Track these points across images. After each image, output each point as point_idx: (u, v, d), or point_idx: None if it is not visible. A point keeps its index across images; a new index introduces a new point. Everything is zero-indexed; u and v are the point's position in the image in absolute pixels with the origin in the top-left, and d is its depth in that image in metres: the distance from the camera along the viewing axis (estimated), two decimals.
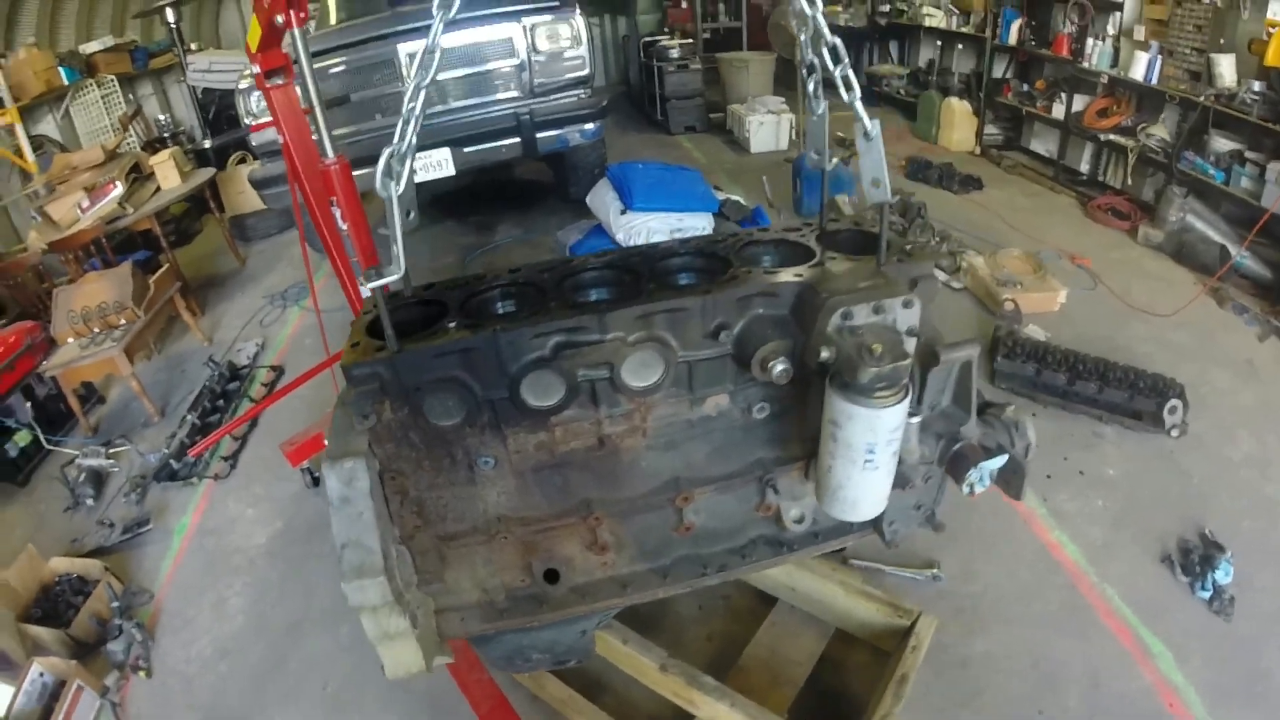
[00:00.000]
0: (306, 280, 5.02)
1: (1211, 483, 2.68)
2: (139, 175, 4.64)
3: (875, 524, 1.60)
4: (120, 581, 2.89)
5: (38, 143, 5.41)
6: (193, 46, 6.61)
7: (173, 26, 5.91)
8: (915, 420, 1.40)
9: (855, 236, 1.60)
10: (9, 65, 5.18)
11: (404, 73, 4.10)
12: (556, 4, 4.17)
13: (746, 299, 1.38)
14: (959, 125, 5.77)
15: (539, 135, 4.23)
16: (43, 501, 3.47)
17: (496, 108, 4.28)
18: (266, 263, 5.69)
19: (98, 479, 3.47)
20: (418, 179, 4.33)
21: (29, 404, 3.77)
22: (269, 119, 4.10)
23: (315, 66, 3.91)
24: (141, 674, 2.56)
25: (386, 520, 1.38)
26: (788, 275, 1.40)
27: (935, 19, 6.17)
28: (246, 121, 4.31)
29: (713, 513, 1.55)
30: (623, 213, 4.34)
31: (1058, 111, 5.08)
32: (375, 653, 1.40)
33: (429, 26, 3.51)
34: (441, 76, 4.15)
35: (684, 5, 7.82)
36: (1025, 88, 5.49)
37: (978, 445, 1.47)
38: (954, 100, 5.81)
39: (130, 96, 6.47)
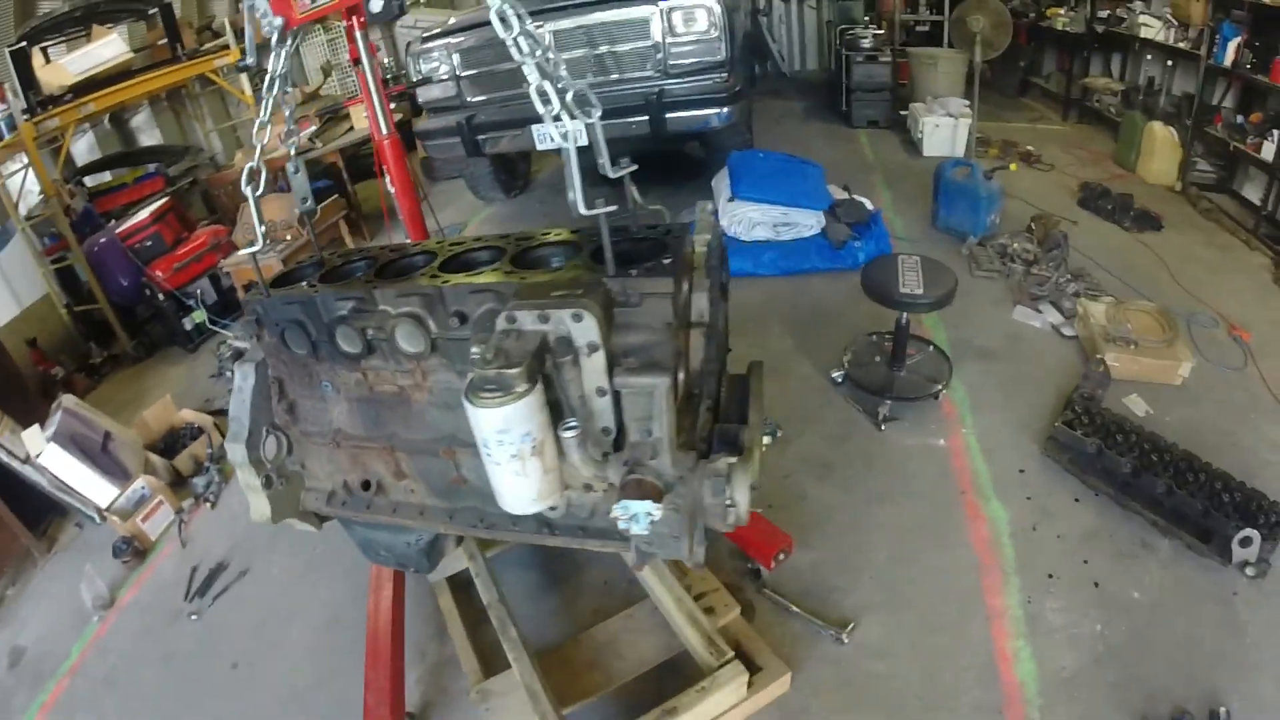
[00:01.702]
0: (460, 225, 5.94)
1: (1271, 651, 2.08)
2: (334, 115, 5.69)
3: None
4: (223, 436, 3.74)
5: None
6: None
7: None
8: (568, 435, 1.38)
9: (655, 247, 1.63)
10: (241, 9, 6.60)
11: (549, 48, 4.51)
12: None
13: (480, 293, 1.56)
14: (1159, 154, 4.93)
15: (668, 116, 4.38)
16: (200, 367, 4.51)
17: (630, 86, 4.46)
18: (439, 202, 6.56)
19: (239, 356, 4.49)
20: (553, 146, 4.83)
21: (215, 292, 4.93)
22: (433, 79, 4.82)
23: (473, 38, 4.53)
24: (209, 505, 3.47)
25: (261, 409, 1.93)
26: (499, 277, 1.60)
27: (1151, 30, 5.25)
28: (413, 79, 5.06)
29: (480, 474, 1.62)
30: (729, 200, 4.37)
31: (1267, 151, 4.10)
32: None
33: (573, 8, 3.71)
34: (580, 53, 4.50)
35: None
36: (1239, 119, 4.47)
37: (649, 484, 1.38)
38: (1156, 125, 4.96)
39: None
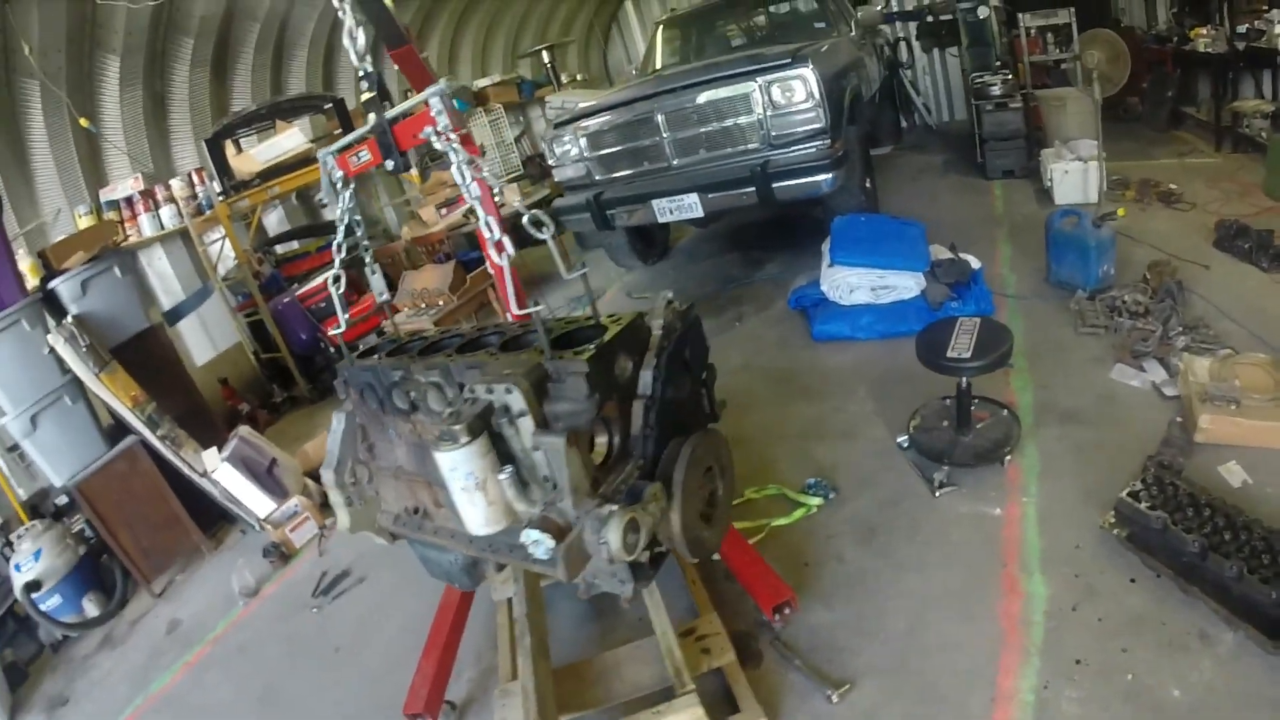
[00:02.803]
0: (599, 292, 6.57)
1: None
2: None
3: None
4: None
5: (436, 154, 8.06)
6: (577, 77, 8.74)
7: (547, 65, 8.05)
8: (502, 477, 1.79)
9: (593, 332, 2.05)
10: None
11: (661, 130, 5.04)
12: (789, 61, 4.52)
13: (475, 369, 2.03)
14: None
15: (775, 185, 4.66)
16: None
17: (739, 159, 4.84)
18: (590, 269, 7.32)
19: None
20: (672, 219, 5.44)
21: None
22: (564, 162, 5.52)
23: (603, 119, 5.17)
24: None
25: (349, 446, 2.56)
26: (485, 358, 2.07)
27: None
28: (550, 162, 5.79)
29: None
30: (829, 265, 4.54)
31: None
32: None
33: (681, 90, 4.26)
34: (690, 131, 4.96)
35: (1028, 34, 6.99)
36: None
37: (551, 520, 1.77)
38: None
39: (520, 119, 8.93)
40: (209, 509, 4.63)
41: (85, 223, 5.81)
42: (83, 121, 5.97)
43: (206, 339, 6.53)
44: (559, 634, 2.77)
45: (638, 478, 1.94)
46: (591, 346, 1.89)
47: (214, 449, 4.51)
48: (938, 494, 2.96)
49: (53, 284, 4.53)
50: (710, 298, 5.65)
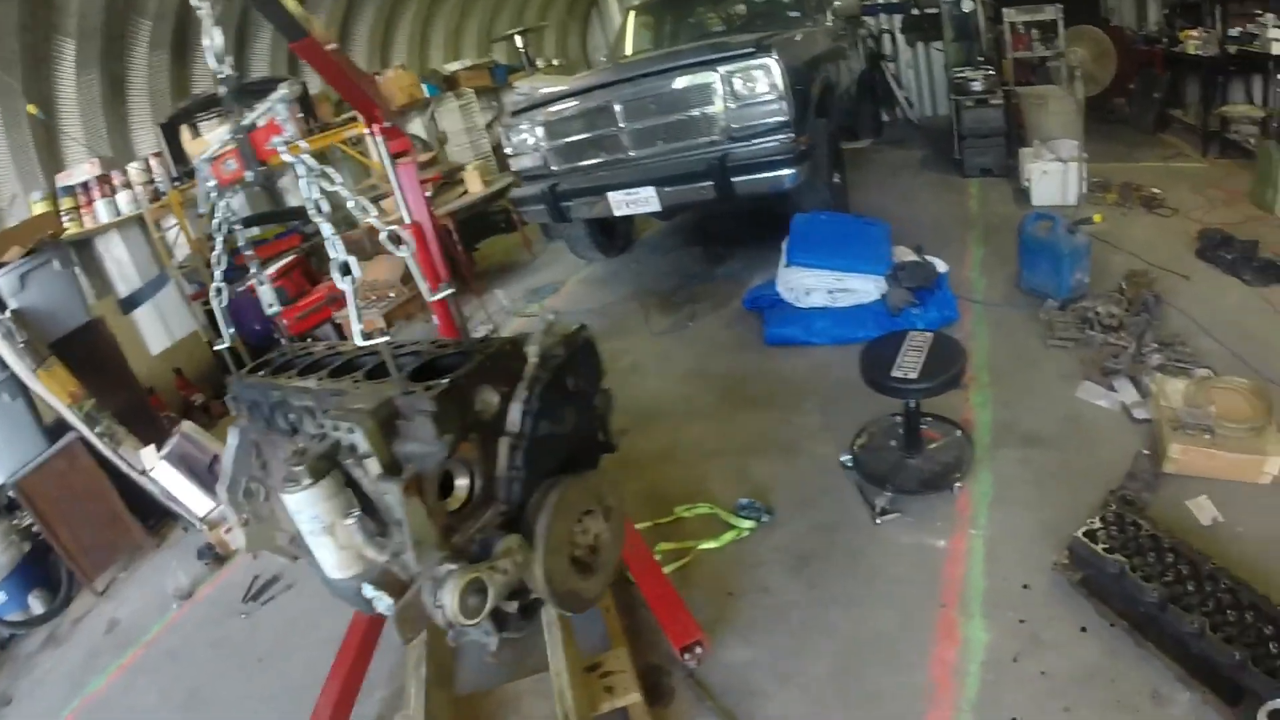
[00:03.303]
0: (557, 284, 6.34)
1: None
2: (450, 180, 6.38)
3: None
4: None
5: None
6: (553, 63, 8.46)
7: (521, 50, 7.78)
8: (348, 522, 1.56)
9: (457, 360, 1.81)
10: (383, 82, 7.51)
11: (618, 120, 4.76)
12: (752, 50, 4.23)
13: (337, 396, 1.81)
14: None
15: (734, 180, 4.39)
16: None
17: (698, 151, 4.58)
18: (550, 261, 7.07)
19: None
20: (629, 212, 5.13)
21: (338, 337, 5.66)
22: (522, 151, 5.26)
23: (560, 107, 4.89)
24: None
25: (243, 464, 2.28)
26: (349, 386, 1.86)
27: None
28: (506, 151, 5.52)
29: None
30: (786, 266, 4.27)
31: None
32: None
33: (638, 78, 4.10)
34: (649, 122, 4.69)
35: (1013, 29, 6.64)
36: None
37: (391, 575, 1.60)
38: None
39: (493, 104, 8.67)
40: (153, 504, 4.44)
41: (40, 209, 5.58)
42: (30, 109, 5.70)
43: (163, 327, 6.31)
44: (472, 657, 2.54)
45: (499, 524, 1.70)
46: (445, 381, 1.64)
47: (152, 447, 4.31)
48: (879, 521, 2.72)
49: None
50: (667, 294, 5.40)
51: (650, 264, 6.31)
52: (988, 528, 2.60)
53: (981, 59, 6.43)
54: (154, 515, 4.55)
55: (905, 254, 4.17)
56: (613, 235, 6.50)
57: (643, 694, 2.22)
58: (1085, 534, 2.31)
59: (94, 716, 3.39)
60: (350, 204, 1.82)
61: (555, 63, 9.52)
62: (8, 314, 4.18)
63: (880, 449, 2.98)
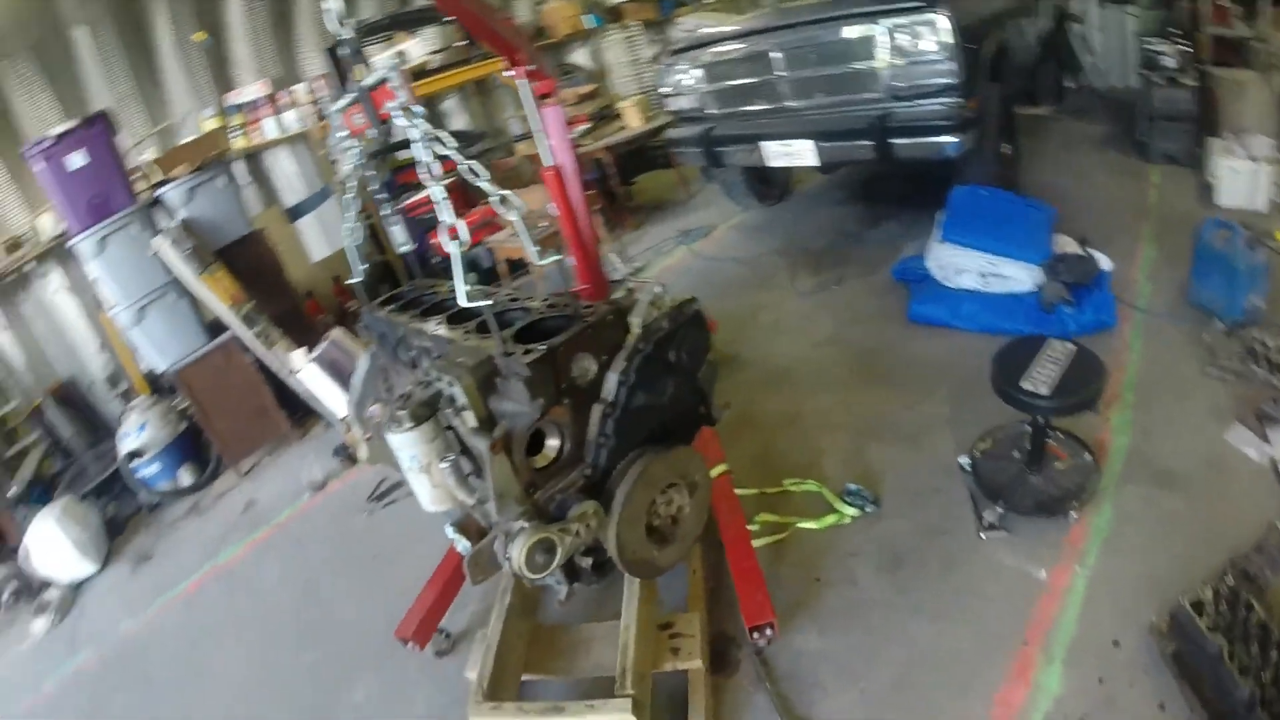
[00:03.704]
0: (709, 228, 6.34)
1: None
2: (608, 114, 6.48)
3: None
4: None
5: (567, 69, 7.87)
6: None
7: None
8: (443, 466, 1.73)
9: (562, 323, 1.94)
10: (544, 12, 7.58)
11: (778, 68, 4.62)
12: (921, 3, 3.93)
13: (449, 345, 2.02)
14: None
15: (894, 142, 4.22)
16: None
17: (858, 108, 4.38)
18: (705, 202, 7.08)
19: None
20: (784, 164, 5.15)
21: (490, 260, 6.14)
22: (679, 91, 5.23)
23: (720, 50, 4.82)
24: None
25: (371, 385, 2.67)
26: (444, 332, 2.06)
27: None
28: (663, 91, 5.49)
29: None
30: (939, 241, 4.06)
31: None
32: None
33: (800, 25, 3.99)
34: (809, 72, 4.53)
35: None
36: None
37: (471, 521, 1.81)
38: None
39: (659, 37, 8.56)
40: (299, 401, 4.98)
41: (210, 125, 6.21)
42: (197, 36, 6.29)
43: (324, 237, 6.91)
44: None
45: (581, 487, 1.82)
46: (543, 346, 1.75)
47: (303, 350, 4.80)
48: (984, 536, 2.63)
49: (161, 191, 4.89)
50: (817, 252, 5.30)
51: (805, 218, 6.17)
52: (1094, 568, 2.44)
53: (1176, 30, 5.60)
54: (300, 410, 5.11)
55: (1068, 244, 3.84)
56: (770, 184, 6.40)
57: (707, 661, 2.33)
58: (1192, 603, 2.10)
59: (219, 583, 3.95)
60: (461, 167, 1.91)
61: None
62: (176, 223, 4.75)
63: (1002, 458, 2.84)
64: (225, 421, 4.85)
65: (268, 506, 4.49)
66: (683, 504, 2.02)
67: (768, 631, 2.33)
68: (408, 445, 1.74)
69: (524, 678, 2.45)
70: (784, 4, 5.51)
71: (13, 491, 4.95)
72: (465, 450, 1.80)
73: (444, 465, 1.74)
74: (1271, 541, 2.27)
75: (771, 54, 4.58)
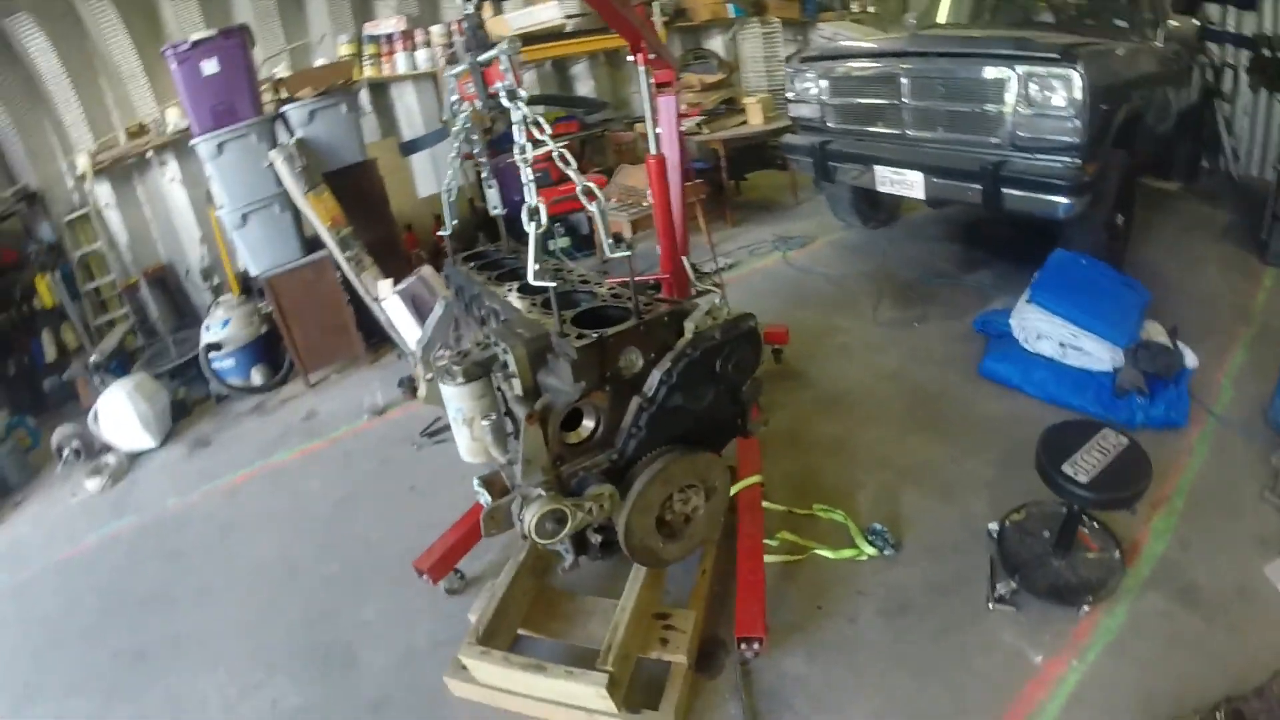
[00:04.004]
0: (808, 239, 6.38)
1: None
2: (731, 107, 6.56)
3: None
4: None
5: (701, 54, 7.91)
6: (869, 9, 8.08)
7: None
8: (484, 424, 1.90)
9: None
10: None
11: (903, 94, 4.63)
12: (1057, 56, 3.86)
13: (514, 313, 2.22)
14: None
15: (1004, 191, 4.18)
16: None
17: (975, 149, 4.36)
18: (810, 212, 7.13)
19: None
20: (892, 191, 5.22)
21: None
22: (803, 99, 5.27)
23: (849, 65, 4.84)
24: None
25: (441, 331, 3.00)
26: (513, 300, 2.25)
27: None
28: (788, 96, 5.54)
29: None
30: (1027, 300, 4.00)
31: None
32: None
33: (932, 56, 4.19)
34: (933, 104, 4.53)
35: None
36: None
37: (497, 478, 1.99)
38: None
39: (798, 38, 8.50)
40: (377, 327, 5.34)
41: (345, 50, 6.56)
42: None
43: (433, 175, 7.23)
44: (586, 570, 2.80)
45: (604, 470, 1.96)
46: (594, 334, 1.88)
47: (390, 280, 5.11)
48: (991, 607, 2.65)
49: (284, 109, 5.23)
50: (906, 285, 5.32)
51: (903, 247, 6.16)
52: (1091, 666, 2.43)
53: None
54: (376, 336, 5.45)
55: (1157, 332, 3.74)
56: (876, 206, 6.41)
57: (693, 659, 2.46)
58: None
59: (265, 481, 4.31)
60: (555, 155, 2.04)
61: (870, 9, 9.09)
62: (293, 141, 5.07)
63: (1031, 534, 2.85)
64: (304, 332, 5.21)
65: (326, 420, 4.83)
66: (698, 505, 2.14)
67: (755, 645, 2.43)
68: (456, 398, 1.91)
69: (520, 632, 2.66)
70: (924, 30, 5.46)
71: (94, 358, 5.43)
72: (509, 412, 1.96)
73: (484, 423, 1.91)
74: (1274, 690, 2.22)
75: (901, 79, 4.58)
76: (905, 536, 3.00)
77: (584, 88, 8.32)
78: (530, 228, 1.97)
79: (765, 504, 3.05)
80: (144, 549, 3.93)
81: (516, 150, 2.06)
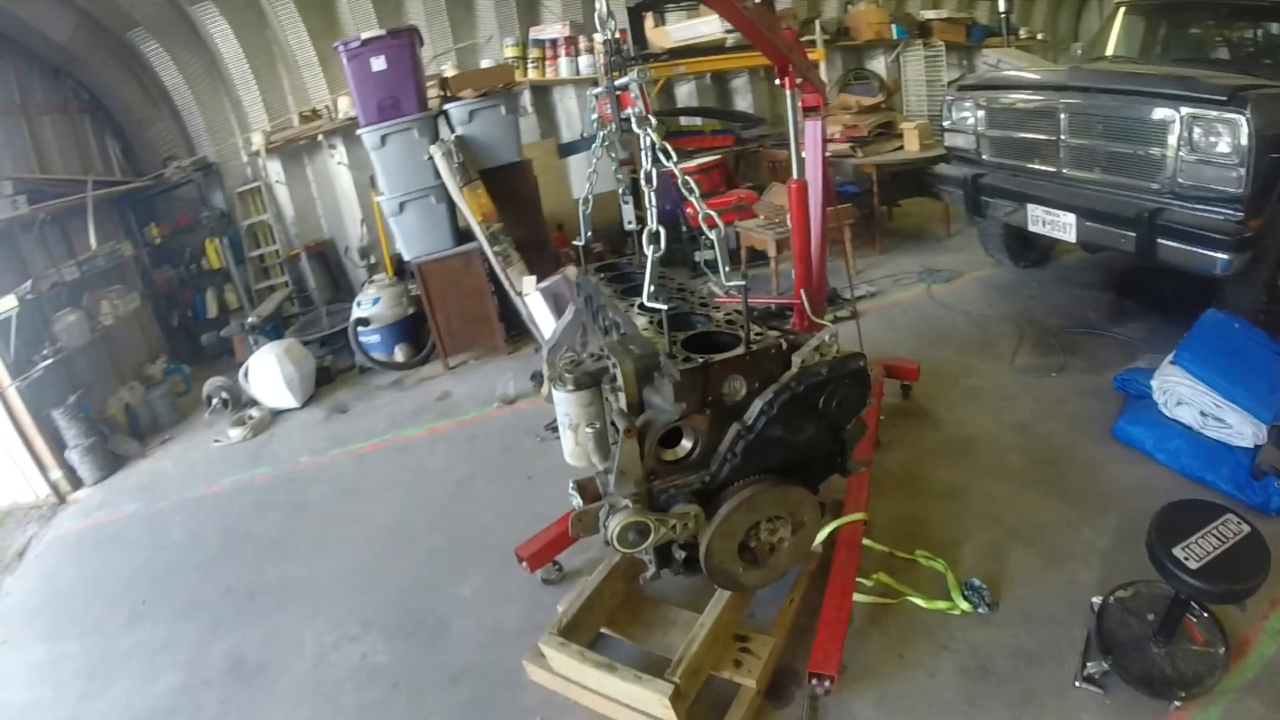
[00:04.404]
0: (954, 274, 6.24)
1: None
2: (888, 131, 6.52)
3: None
4: None
5: (862, 74, 7.83)
6: (1036, 37, 7.72)
7: (1001, 15, 7.27)
8: (587, 431, 2.08)
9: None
10: (851, 14, 7.54)
11: (1061, 130, 4.48)
12: (1225, 98, 3.63)
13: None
14: None
15: (1159, 241, 3.99)
16: None
17: (1132, 194, 4.18)
18: (962, 245, 7.02)
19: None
20: (1043, 232, 5.14)
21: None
22: (959, 129, 5.19)
23: (1007, 97, 4.73)
24: None
25: (569, 334, 3.23)
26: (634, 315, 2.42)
27: None
28: (944, 124, 5.46)
29: None
30: (1170, 361, 3.80)
31: None
32: None
33: (1092, 91, 4.10)
34: (1091, 143, 4.38)
35: None
36: None
37: (590, 483, 2.13)
38: None
39: (962, 63, 8.25)
40: (518, 320, 5.74)
41: (510, 52, 7.00)
42: None
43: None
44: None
45: (695, 490, 2.09)
46: (700, 359, 2.01)
47: (534, 277, 5.46)
48: (1077, 684, 2.57)
49: (447, 106, 5.67)
50: (1047, 332, 5.14)
51: (1051, 291, 5.94)
52: None
53: None
54: (516, 328, 5.86)
55: None
56: (1029, 246, 6.20)
57: (763, 686, 2.56)
58: None
59: (392, 453, 4.72)
60: (680, 182, 2.20)
61: (1039, 37, 8.73)
62: (452, 137, 5.49)
63: (1134, 614, 2.74)
64: (448, 318, 5.69)
65: (458, 403, 5.26)
66: (784, 537, 2.23)
67: (826, 682, 2.50)
68: (564, 403, 2.10)
69: (603, 631, 2.85)
70: (1089, 64, 5.23)
71: (251, 319, 6.12)
72: (614, 423, 2.13)
73: (588, 430, 2.08)
74: None
75: (1060, 114, 4.45)
76: (1003, 597, 2.95)
77: (742, 102, 8.46)
78: (649, 251, 2.13)
79: (867, 541, 3.09)
80: (271, 498, 4.44)
81: (643, 175, 2.23)
